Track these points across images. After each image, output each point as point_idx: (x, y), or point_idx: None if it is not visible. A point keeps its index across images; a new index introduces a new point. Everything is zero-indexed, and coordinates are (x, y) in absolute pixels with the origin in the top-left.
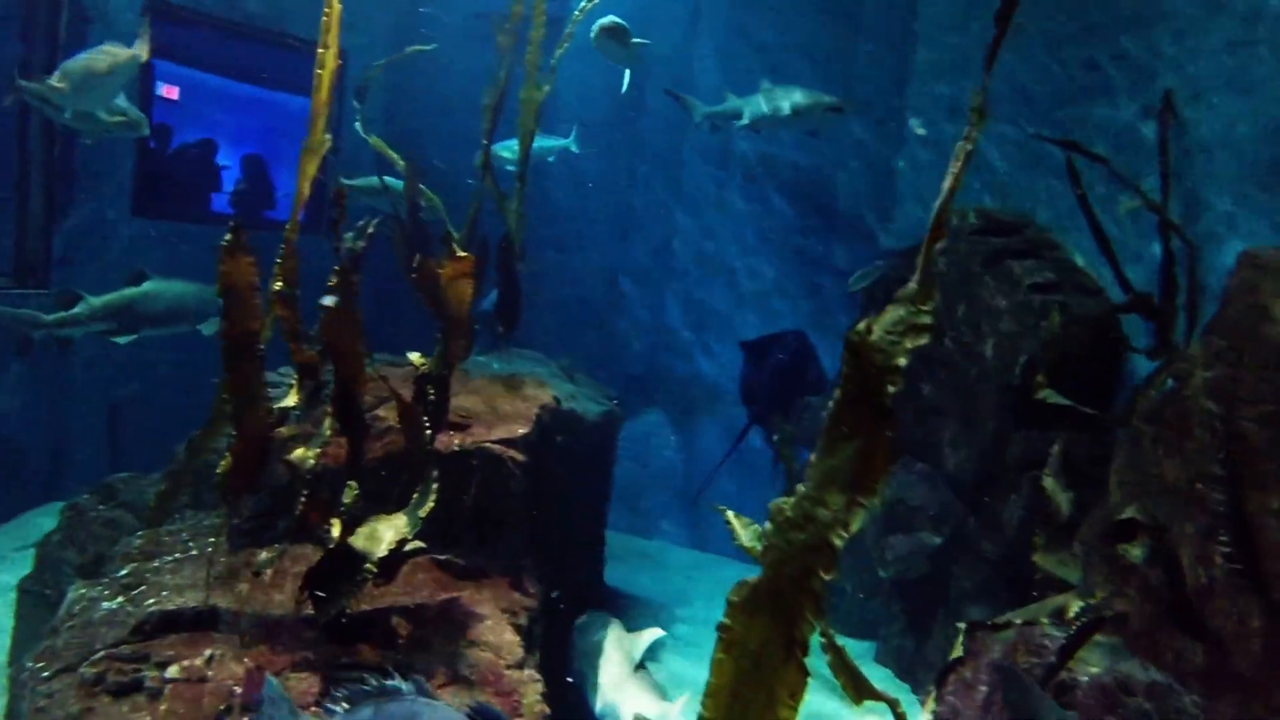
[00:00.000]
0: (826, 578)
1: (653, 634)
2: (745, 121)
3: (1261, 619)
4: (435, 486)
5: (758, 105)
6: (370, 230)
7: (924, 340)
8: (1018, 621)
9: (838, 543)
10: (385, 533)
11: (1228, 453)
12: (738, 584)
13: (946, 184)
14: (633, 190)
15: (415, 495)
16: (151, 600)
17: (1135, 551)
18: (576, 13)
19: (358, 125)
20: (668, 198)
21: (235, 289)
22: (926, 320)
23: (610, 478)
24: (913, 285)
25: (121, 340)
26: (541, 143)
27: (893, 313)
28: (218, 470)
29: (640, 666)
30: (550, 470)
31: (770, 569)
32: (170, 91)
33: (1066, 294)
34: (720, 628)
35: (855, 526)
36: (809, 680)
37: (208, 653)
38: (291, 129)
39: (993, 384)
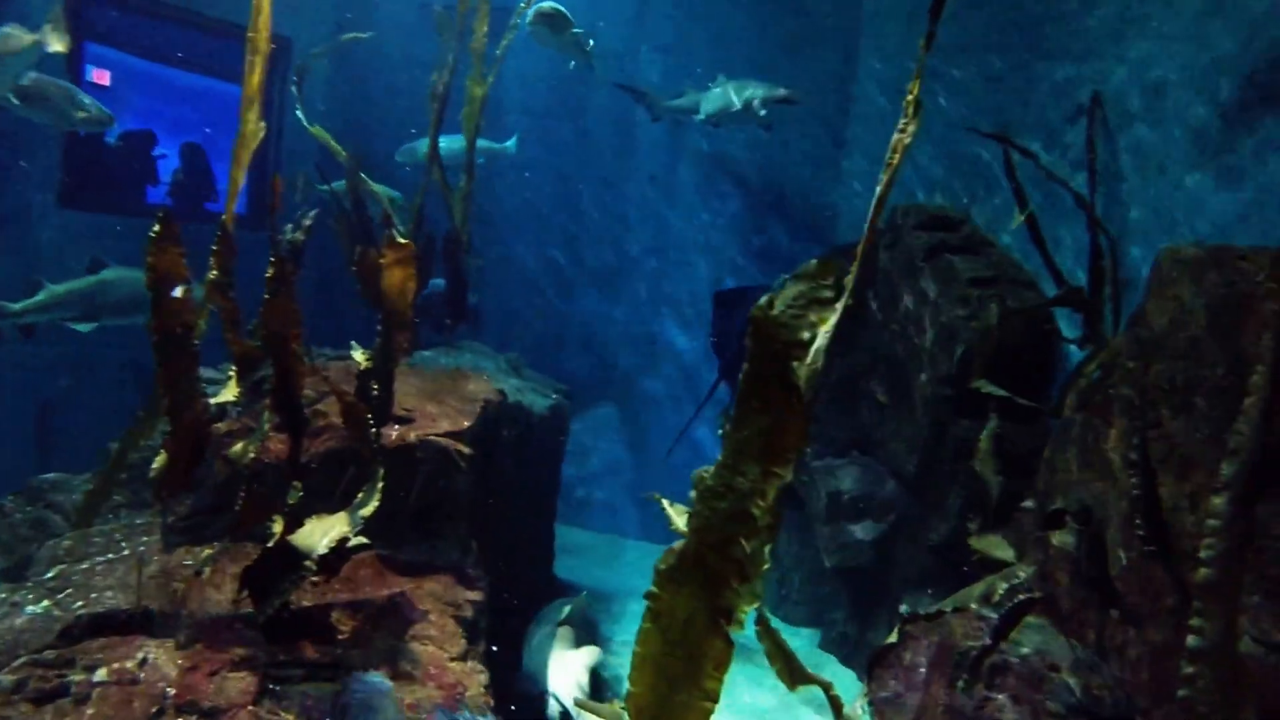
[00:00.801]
0: (748, 546)
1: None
2: (701, 116)
3: (1173, 597)
4: (380, 486)
5: (713, 99)
6: (308, 222)
7: (826, 315)
8: (948, 610)
9: (756, 512)
10: (327, 531)
11: (1144, 439)
12: (665, 552)
13: (883, 177)
14: (582, 184)
15: (360, 494)
16: (80, 603)
17: (1064, 538)
18: (522, 4)
19: (299, 113)
20: (617, 192)
21: (165, 282)
22: (827, 295)
23: (559, 471)
24: (813, 261)
25: (83, 328)
26: (479, 144)
27: (793, 288)
28: (152, 468)
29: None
30: (497, 463)
31: (694, 535)
32: (101, 76)
33: (1003, 288)
34: (648, 596)
35: (772, 496)
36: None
37: (140, 655)
38: (227, 116)
39: (933, 375)
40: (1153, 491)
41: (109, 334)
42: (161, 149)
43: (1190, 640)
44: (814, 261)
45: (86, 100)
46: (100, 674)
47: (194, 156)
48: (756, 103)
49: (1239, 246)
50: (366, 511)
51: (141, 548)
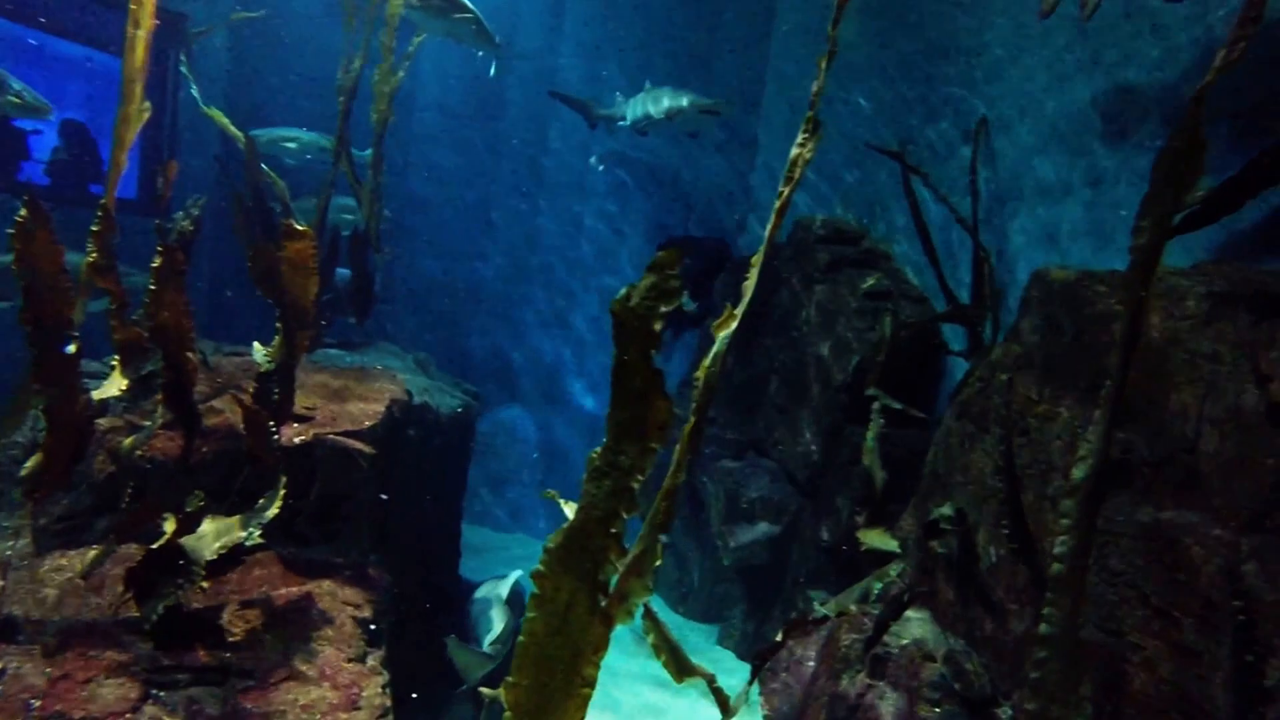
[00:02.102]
0: (626, 517)
1: (514, 575)
2: (627, 122)
3: (1034, 591)
4: (282, 492)
5: (639, 106)
6: (196, 211)
7: (674, 304)
8: (833, 615)
9: (635, 486)
10: (221, 534)
11: (1009, 446)
12: (555, 532)
13: (783, 190)
14: (493, 183)
15: (262, 500)
16: None
17: (944, 541)
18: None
19: (194, 94)
20: (529, 191)
21: (37, 270)
22: (674, 285)
23: (466, 471)
24: (661, 254)
25: (3, 306)
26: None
27: (647, 279)
28: (25, 466)
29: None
30: (402, 463)
31: (581, 513)
32: None
33: (896, 301)
34: (534, 576)
35: (648, 470)
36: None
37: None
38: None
39: (828, 383)
40: (1016, 495)
41: None
42: (37, 124)
43: (1042, 628)
44: (660, 254)
45: (17, 85)
46: None
47: (77, 134)
48: (682, 110)
49: (1100, 271)
50: (266, 516)
51: (9, 552)
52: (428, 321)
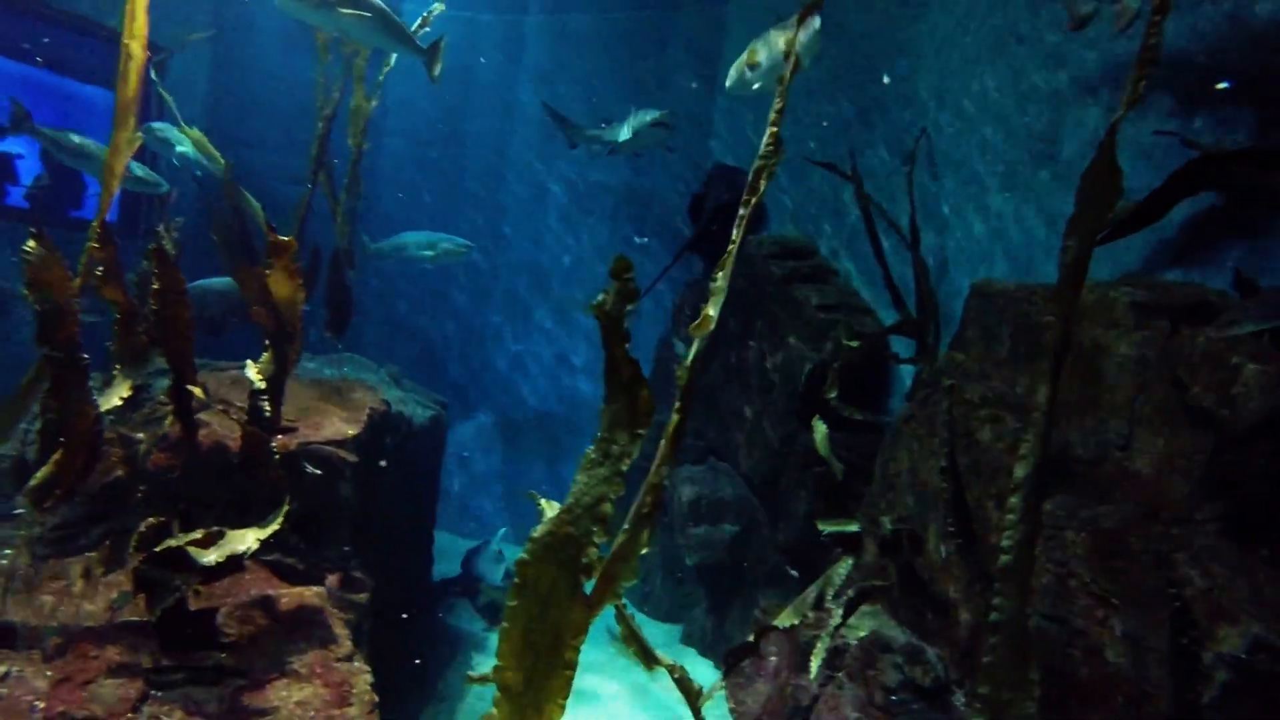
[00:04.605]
0: (614, 498)
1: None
2: (611, 146)
3: (981, 584)
4: (286, 510)
5: (614, 131)
6: (175, 233)
7: (635, 302)
8: (797, 623)
9: (623, 470)
10: (225, 543)
11: (952, 448)
12: (540, 523)
13: (748, 199)
14: (458, 204)
15: (271, 517)
16: None
17: (894, 539)
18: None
19: (176, 115)
20: (491, 213)
21: (53, 298)
22: (633, 287)
23: (438, 479)
24: (616, 262)
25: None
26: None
27: (614, 285)
28: (35, 477)
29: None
30: (379, 472)
31: (572, 498)
32: None
33: (845, 314)
34: (519, 564)
35: (635, 454)
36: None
37: (2, 669)
38: (94, 123)
39: (782, 391)
40: (961, 495)
41: None
42: (18, 148)
43: (991, 615)
44: (615, 262)
45: (139, 170)
46: None
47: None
48: (642, 129)
49: (1034, 284)
50: (270, 529)
51: (3, 560)
52: (395, 336)
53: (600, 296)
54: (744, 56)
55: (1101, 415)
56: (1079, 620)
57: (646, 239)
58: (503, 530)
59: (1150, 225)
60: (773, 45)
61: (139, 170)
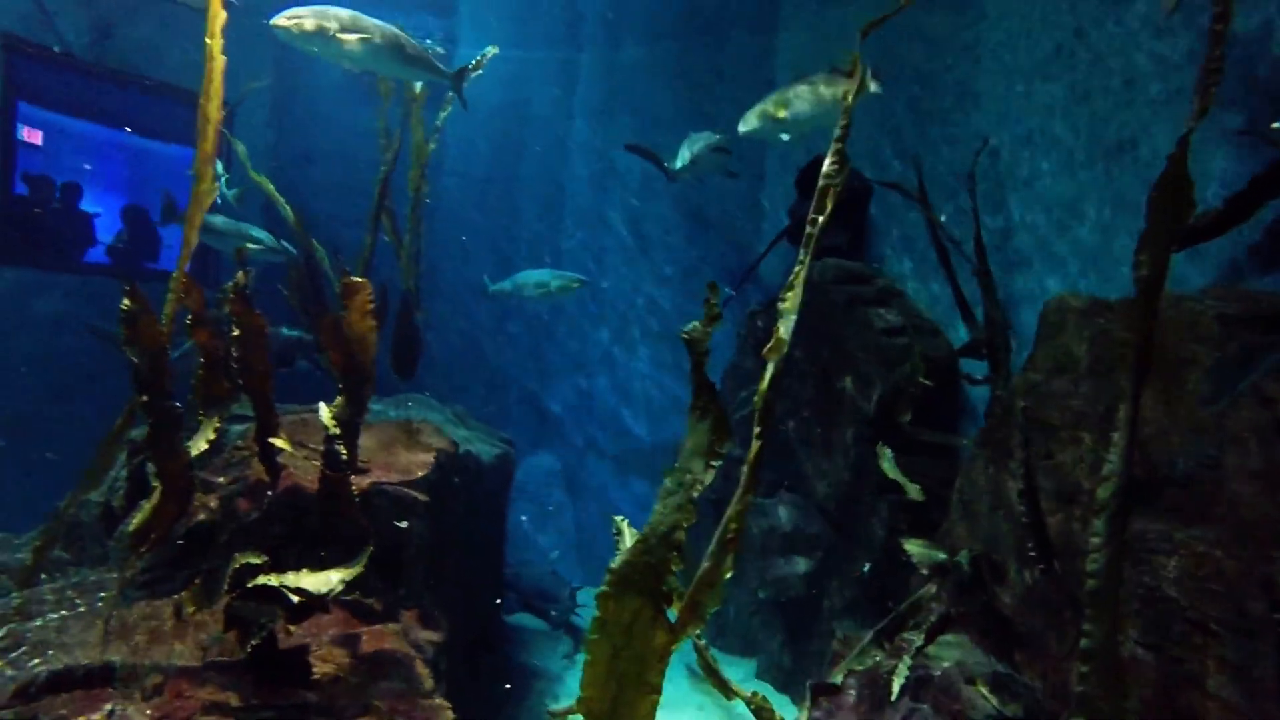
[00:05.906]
0: (686, 525)
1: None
2: (673, 173)
3: (1069, 611)
4: (370, 551)
5: (678, 157)
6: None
7: (716, 327)
8: (880, 659)
9: (696, 494)
10: (312, 584)
11: (1030, 470)
12: (618, 554)
13: (816, 218)
14: (517, 243)
15: (355, 559)
16: (36, 660)
17: (975, 567)
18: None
19: (246, 163)
20: (549, 248)
21: (148, 351)
22: (717, 313)
23: (505, 518)
24: (709, 285)
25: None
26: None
27: (703, 318)
28: (131, 522)
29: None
30: (450, 511)
31: (648, 529)
32: (33, 136)
33: (912, 336)
34: (598, 597)
35: (709, 482)
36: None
37: (107, 707)
38: (161, 177)
39: (852, 417)
40: (1042, 520)
41: (39, 392)
42: (96, 207)
43: (1083, 643)
44: (709, 286)
45: (261, 234)
46: None
47: (137, 217)
48: (695, 158)
49: (1110, 299)
50: (357, 570)
51: (98, 603)
52: (458, 376)
53: (692, 325)
54: (768, 106)
55: (1190, 433)
56: (1175, 649)
57: (734, 292)
58: (555, 554)
59: (1235, 228)
60: (800, 100)
61: (267, 239)
